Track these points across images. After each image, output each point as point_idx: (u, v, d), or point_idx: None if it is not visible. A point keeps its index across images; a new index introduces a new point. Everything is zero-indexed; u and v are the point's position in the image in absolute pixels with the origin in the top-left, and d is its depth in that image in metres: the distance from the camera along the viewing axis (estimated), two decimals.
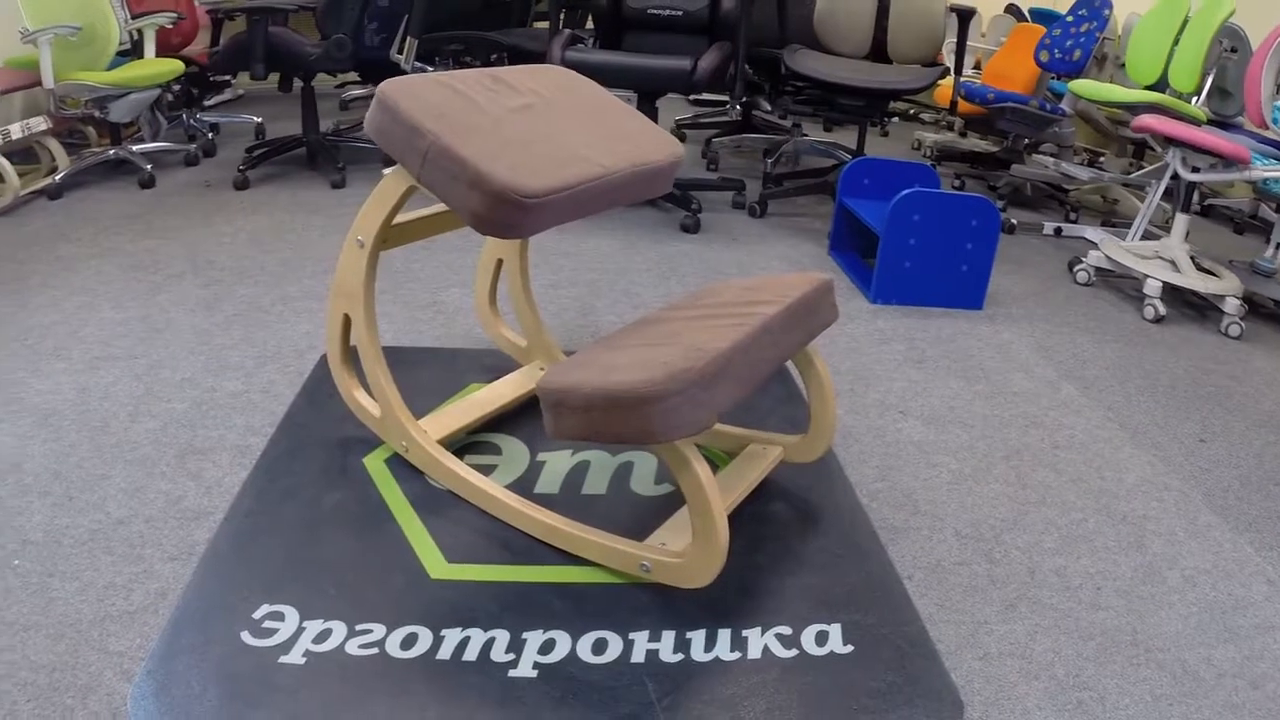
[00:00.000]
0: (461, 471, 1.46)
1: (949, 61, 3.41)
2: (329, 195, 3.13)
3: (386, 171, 1.35)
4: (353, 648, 1.13)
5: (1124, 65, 3.46)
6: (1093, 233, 3.14)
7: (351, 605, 1.19)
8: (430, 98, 1.26)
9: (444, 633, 1.16)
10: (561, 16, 3.83)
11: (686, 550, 1.22)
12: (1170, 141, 2.51)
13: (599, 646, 1.17)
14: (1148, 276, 2.47)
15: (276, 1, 3.06)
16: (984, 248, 2.41)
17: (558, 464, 1.59)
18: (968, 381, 2.05)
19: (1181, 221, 2.53)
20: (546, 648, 1.16)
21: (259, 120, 3.98)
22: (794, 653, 1.18)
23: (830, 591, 1.30)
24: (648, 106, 3.02)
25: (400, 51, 3.30)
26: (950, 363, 2.14)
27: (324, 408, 1.69)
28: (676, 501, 1.42)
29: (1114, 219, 3.52)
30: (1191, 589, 1.40)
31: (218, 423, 1.65)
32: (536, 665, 1.13)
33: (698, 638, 1.19)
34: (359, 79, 4.61)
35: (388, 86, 1.24)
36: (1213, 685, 1.20)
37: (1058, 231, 3.27)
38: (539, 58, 3.12)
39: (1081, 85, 3.04)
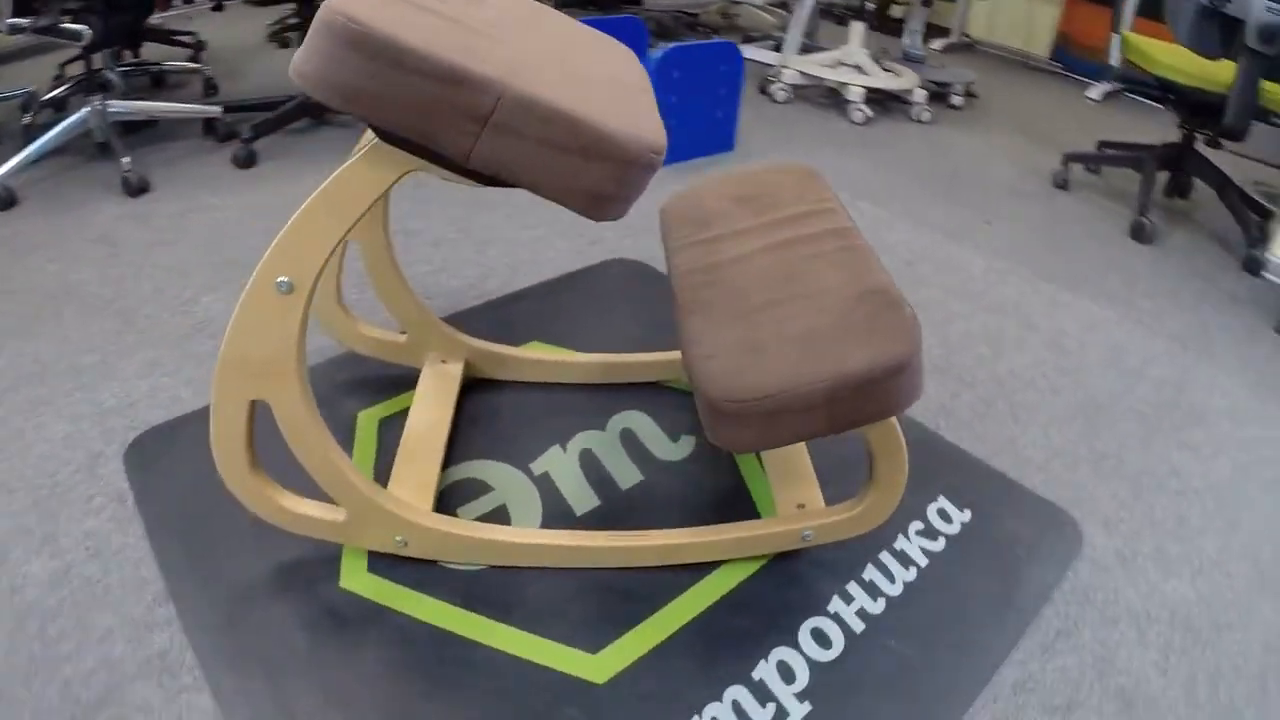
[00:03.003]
0: (505, 535, 1.18)
1: None
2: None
3: (361, 150, 0.89)
4: None
5: None
6: (752, 52, 3.42)
7: None
8: (420, 23, 0.84)
9: None
10: None
11: (864, 500, 1.18)
12: None
13: (821, 638, 1.13)
14: (846, 84, 2.81)
15: None
16: (732, 91, 2.49)
17: (563, 468, 1.36)
18: None
19: (858, 28, 2.90)
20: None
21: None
22: (940, 541, 1.30)
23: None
24: None
25: None
26: None
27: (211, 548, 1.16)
28: (707, 450, 1.40)
29: (749, 34, 3.86)
30: (1089, 345, 1.80)
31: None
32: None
33: (874, 574, 1.23)
34: None
35: (343, 6, 0.79)
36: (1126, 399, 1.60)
37: None
38: None
39: None
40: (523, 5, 1.10)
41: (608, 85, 0.97)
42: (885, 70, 2.93)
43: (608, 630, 1.09)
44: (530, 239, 1.96)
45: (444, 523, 1.16)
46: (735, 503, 1.33)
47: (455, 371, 1.44)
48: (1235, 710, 1.12)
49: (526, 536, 1.18)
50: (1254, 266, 2.52)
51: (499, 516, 1.26)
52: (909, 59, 3.22)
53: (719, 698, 1.03)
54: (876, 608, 1.19)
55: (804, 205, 1.27)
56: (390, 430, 1.38)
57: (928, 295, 1.90)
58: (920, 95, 2.91)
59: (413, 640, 1.06)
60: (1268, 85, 2.28)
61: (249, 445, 1.04)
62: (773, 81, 3.03)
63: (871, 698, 1.06)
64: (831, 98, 2.96)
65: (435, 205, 2.06)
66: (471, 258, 1.86)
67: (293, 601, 1.10)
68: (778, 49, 3.36)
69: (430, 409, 1.37)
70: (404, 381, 1.46)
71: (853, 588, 1.21)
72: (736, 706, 1.02)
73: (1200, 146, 2.54)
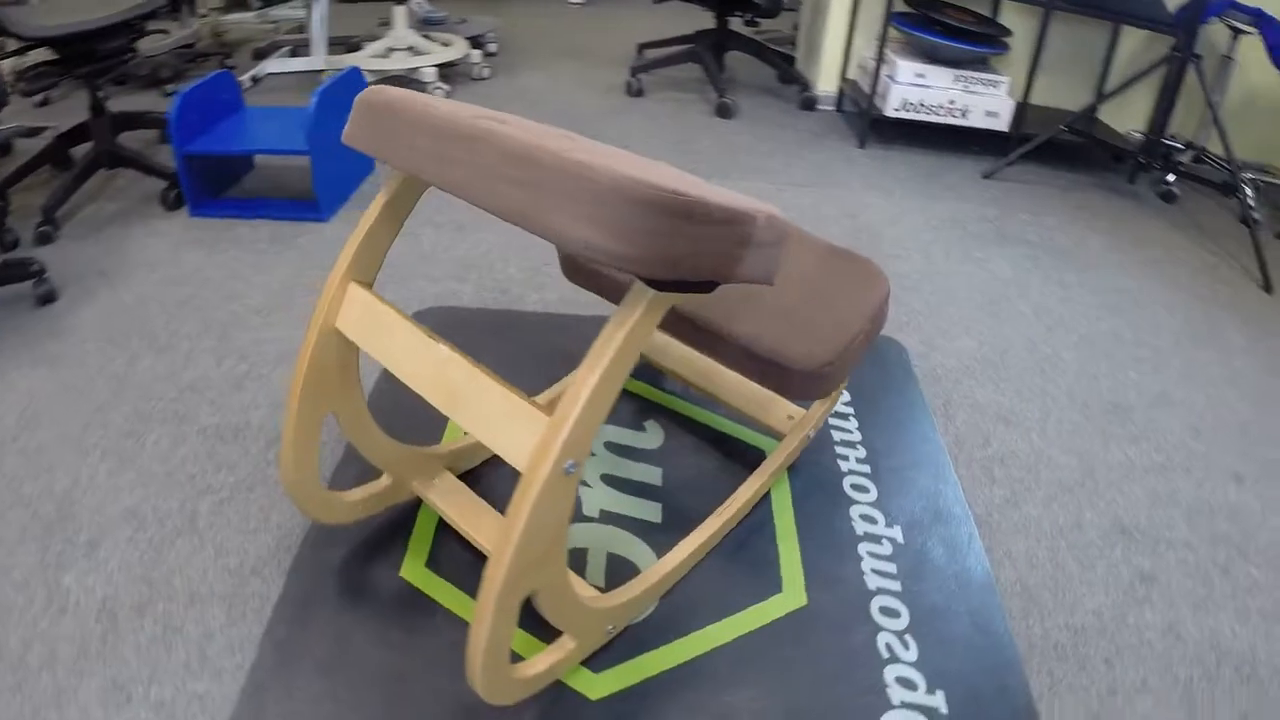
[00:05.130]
0: (655, 572, 1.28)
1: None
2: None
3: (630, 316, 0.84)
4: None
5: None
6: (276, 64, 3.21)
7: None
8: (668, 173, 0.86)
9: None
10: None
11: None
12: None
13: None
14: (417, 69, 2.88)
15: None
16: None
17: (607, 497, 1.44)
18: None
19: (400, 11, 2.93)
20: None
21: None
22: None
23: None
24: None
25: None
26: (463, 215, 2.34)
27: None
28: (674, 427, 1.64)
29: (254, 48, 3.55)
30: (977, 281, 2.32)
31: None
32: None
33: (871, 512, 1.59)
34: None
35: (651, 180, 0.74)
36: (1032, 319, 2.19)
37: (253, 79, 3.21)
38: None
39: None
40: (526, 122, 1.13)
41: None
42: (438, 43, 3.06)
43: (612, 654, 1.18)
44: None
45: (619, 594, 1.21)
46: (743, 450, 1.58)
47: (448, 481, 1.39)
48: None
49: (667, 562, 1.29)
50: (810, 104, 3.31)
51: (623, 566, 1.32)
52: (430, 24, 3.37)
53: None
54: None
55: None
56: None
57: None
58: (476, 55, 3.12)
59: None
60: None
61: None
62: None
63: None
64: (405, 86, 3.01)
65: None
66: None
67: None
68: (294, 53, 3.24)
69: (465, 510, 1.32)
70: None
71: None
72: None
73: (735, 27, 3.19)
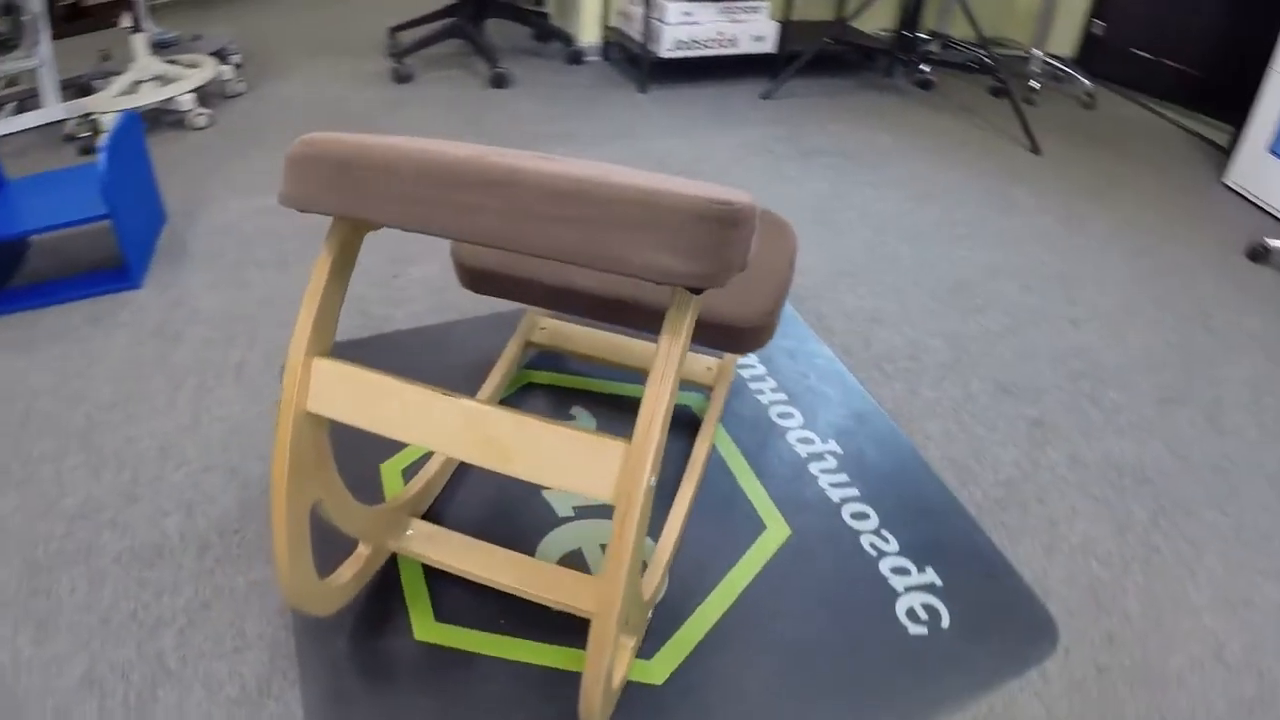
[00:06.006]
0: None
1: None
2: None
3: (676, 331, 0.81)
4: None
5: None
6: (4, 125, 2.77)
7: None
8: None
9: None
10: None
11: None
12: None
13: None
14: (173, 98, 2.61)
15: None
16: (145, 157, 2.16)
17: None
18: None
19: (139, 39, 2.62)
20: None
21: None
22: None
23: None
24: None
25: None
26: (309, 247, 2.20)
27: None
28: (605, 410, 1.64)
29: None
30: (800, 200, 2.38)
31: None
32: None
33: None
34: None
35: (720, 196, 0.76)
36: (860, 224, 2.31)
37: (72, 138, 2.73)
38: None
39: None
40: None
41: None
42: (184, 67, 2.79)
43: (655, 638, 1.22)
44: None
45: (647, 583, 1.24)
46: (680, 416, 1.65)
47: (423, 528, 1.35)
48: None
49: (668, 536, 1.34)
50: (577, 58, 3.35)
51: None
52: (164, 46, 3.07)
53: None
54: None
55: None
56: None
57: None
58: (227, 70, 2.89)
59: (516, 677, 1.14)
60: None
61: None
62: (81, 137, 2.64)
63: None
64: (160, 118, 2.74)
65: None
66: None
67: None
68: (21, 108, 2.83)
69: (461, 552, 1.29)
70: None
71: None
72: None
73: None
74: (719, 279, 0.76)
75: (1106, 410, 1.75)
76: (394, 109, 2.82)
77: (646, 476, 0.83)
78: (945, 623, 1.27)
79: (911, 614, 1.28)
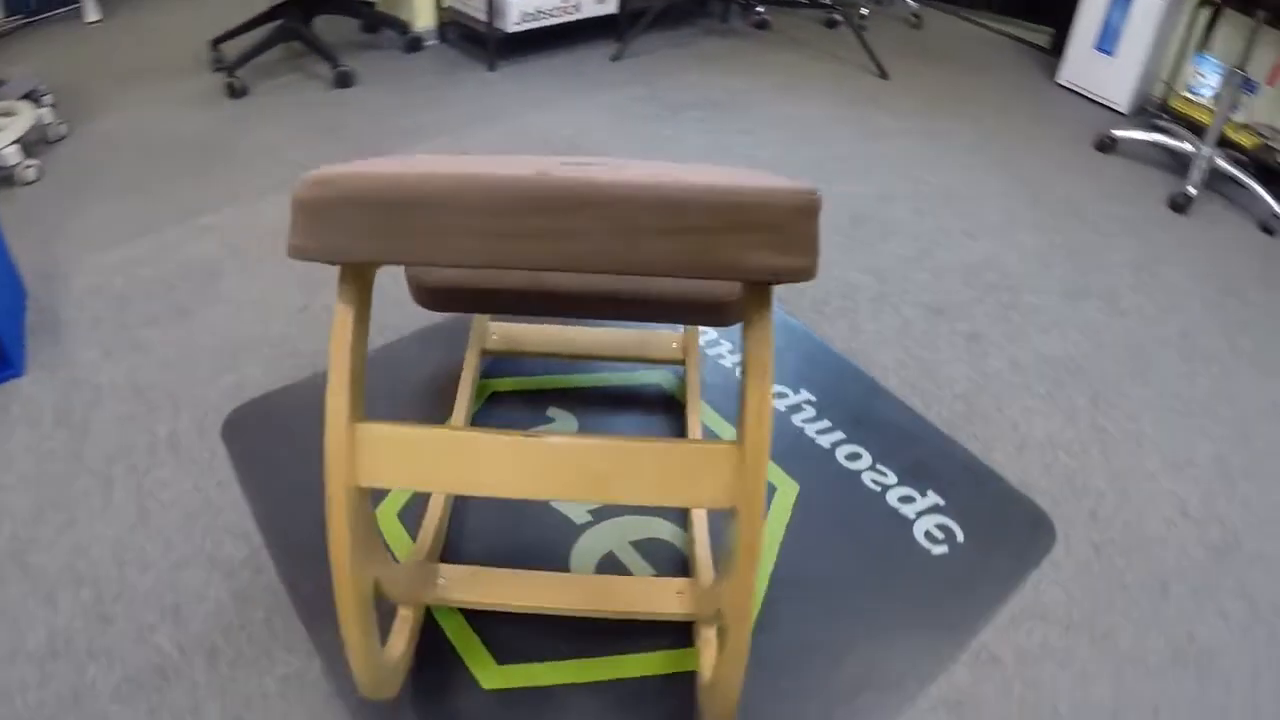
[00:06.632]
0: None
1: None
2: None
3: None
4: None
5: None
6: None
7: None
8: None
9: None
10: None
11: None
12: None
13: None
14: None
15: None
16: None
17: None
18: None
19: None
20: None
21: None
22: None
23: None
24: None
25: None
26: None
27: None
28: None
29: None
30: (684, 157, 2.35)
31: None
32: None
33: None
34: None
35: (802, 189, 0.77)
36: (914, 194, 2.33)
37: None
38: None
39: None
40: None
41: None
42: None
43: None
44: None
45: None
46: (644, 391, 1.67)
47: (454, 572, 1.31)
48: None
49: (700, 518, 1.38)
50: (416, 45, 3.23)
51: (655, 546, 1.36)
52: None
53: None
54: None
55: None
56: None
57: None
58: (46, 113, 2.60)
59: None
60: None
61: None
62: None
63: None
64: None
65: None
66: None
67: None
68: None
69: (506, 587, 1.28)
70: None
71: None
72: None
73: None
74: (815, 269, 0.79)
75: (1025, 313, 1.92)
76: (238, 127, 2.64)
77: (765, 475, 0.86)
78: (960, 538, 1.38)
79: (929, 536, 1.39)
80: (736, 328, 1.81)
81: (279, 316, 1.85)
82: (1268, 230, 2.29)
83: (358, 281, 0.87)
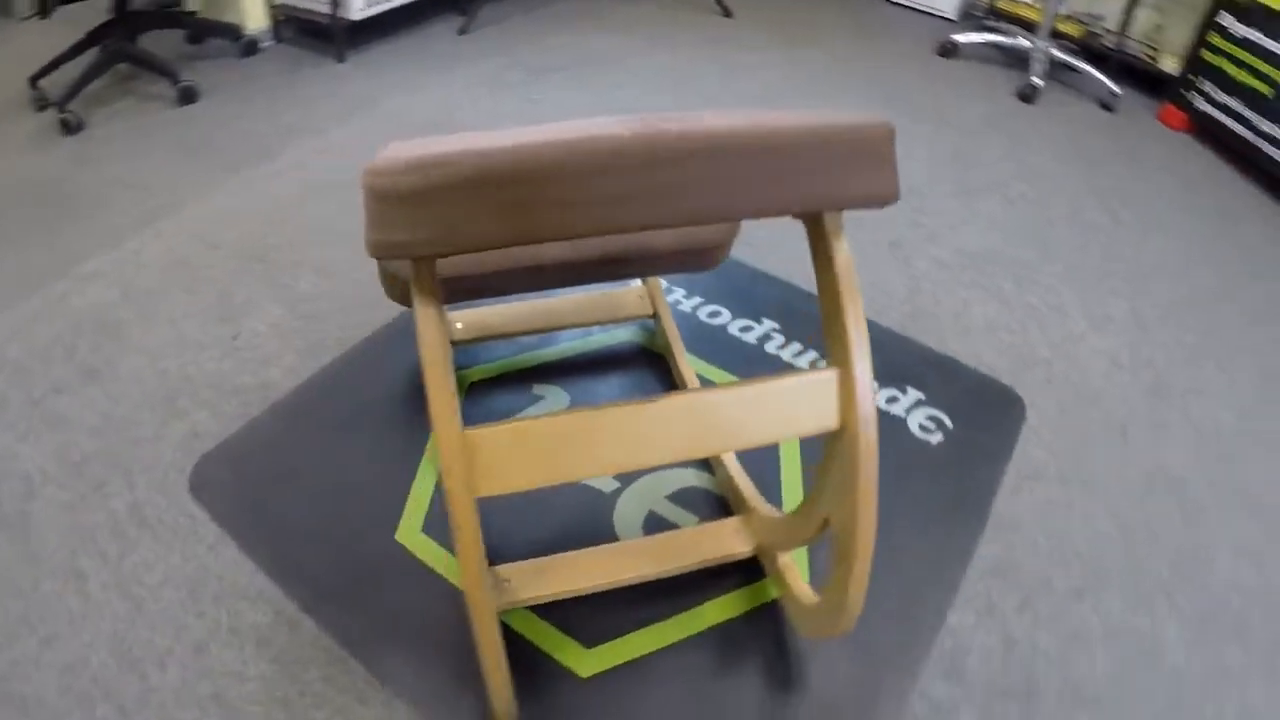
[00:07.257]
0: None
1: None
2: None
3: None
4: None
5: None
6: None
7: None
8: None
9: None
10: None
11: None
12: None
13: None
14: None
15: None
16: None
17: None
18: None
19: None
20: None
21: None
22: None
23: None
24: None
25: None
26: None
27: None
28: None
29: None
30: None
31: None
32: None
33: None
34: None
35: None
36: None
37: None
38: None
39: None
40: None
41: None
42: None
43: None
44: None
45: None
46: (624, 350, 1.70)
47: (514, 572, 1.27)
48: None
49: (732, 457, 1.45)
50: (252, 48, 3.06)
51: (692, 494, 1.41)
52: None
53: None
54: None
55: None
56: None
57: None
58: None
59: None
60: None
61: None
62: None
63: None
64: None
65: None
66: None
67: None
68: None
69: (571, 571, 1.28)
70: None
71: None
72: None
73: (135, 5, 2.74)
74: (898, 192, 0.85)
75: (933, 215, 2.09)
76: (87, 164, 2.43)
77: (871, 394, 0.90)
78: (950, 425, 1.52)
79: (924, 428, 1.52)
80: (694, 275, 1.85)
81: (208, 352, 1.73)
82: (1107, 107, 2.56)
83: (431, 276, 0.84)
